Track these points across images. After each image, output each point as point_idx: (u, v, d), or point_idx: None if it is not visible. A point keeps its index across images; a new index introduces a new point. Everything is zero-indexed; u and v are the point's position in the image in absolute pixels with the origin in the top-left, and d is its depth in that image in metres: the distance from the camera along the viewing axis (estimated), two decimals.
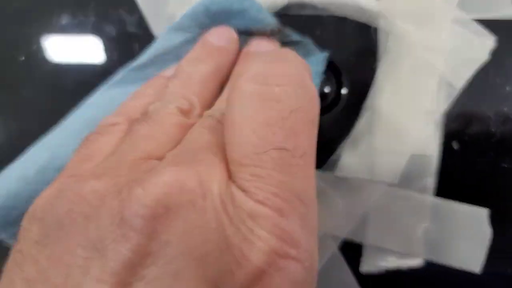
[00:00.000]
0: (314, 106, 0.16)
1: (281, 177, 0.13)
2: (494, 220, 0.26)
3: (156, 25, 0.29)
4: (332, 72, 0.28)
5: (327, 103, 0.28)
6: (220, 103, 0.20)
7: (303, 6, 0.28)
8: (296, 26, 0.28)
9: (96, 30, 0.30)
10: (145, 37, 0.29)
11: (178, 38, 0.24)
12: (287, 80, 0.14)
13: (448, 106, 0.26)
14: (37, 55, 0.30)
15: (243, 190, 0.13)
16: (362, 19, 0.27)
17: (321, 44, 0.28)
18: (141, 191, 0.12)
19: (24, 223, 0.14)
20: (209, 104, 0.20)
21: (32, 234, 0.13)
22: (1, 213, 0.19)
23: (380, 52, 0.27)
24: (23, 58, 0.31)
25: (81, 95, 0.24)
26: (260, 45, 0.23)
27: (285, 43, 0.25)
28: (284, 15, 0.28)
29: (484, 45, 0.26)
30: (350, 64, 0.27)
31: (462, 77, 0.26)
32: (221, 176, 0.13)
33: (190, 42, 0.24)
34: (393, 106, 0.27)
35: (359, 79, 0.27)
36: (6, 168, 0.21)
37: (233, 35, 0.23)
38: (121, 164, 0.15)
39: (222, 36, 0.23)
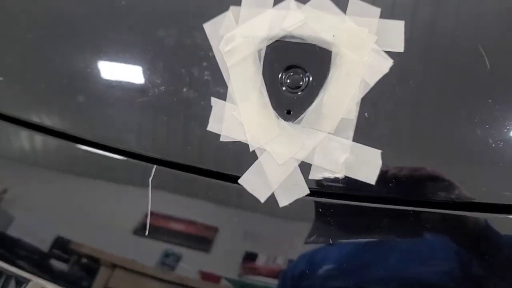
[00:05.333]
0: None
1: None
2: None
3: None
4: (305, 72, 0.51)
5: (302, 89, 0.51)
6: None
7: (293, 37, 0.52)
8: (288, 48, 0.52)
9: None
10: None
11: None
12: None
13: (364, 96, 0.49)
14: None
15: None
16: (324, 46, 0.51)
17: (301, 58, 0.51)
18: None
19: None
20: None
21: None
22: None
23: (332, 64, 0.50)
24: None
25: None
26: None
27: None
28: (280, 41, 0.52)
29: (386, 61, 0.49)
30: (316, 69, 0.51)
31: (373, 78, 0.49)
32: None
33: None
34: (334, 94, 0.49)
35: (320, 78, 0.51)
36: None
37: None
38: None
39: None
